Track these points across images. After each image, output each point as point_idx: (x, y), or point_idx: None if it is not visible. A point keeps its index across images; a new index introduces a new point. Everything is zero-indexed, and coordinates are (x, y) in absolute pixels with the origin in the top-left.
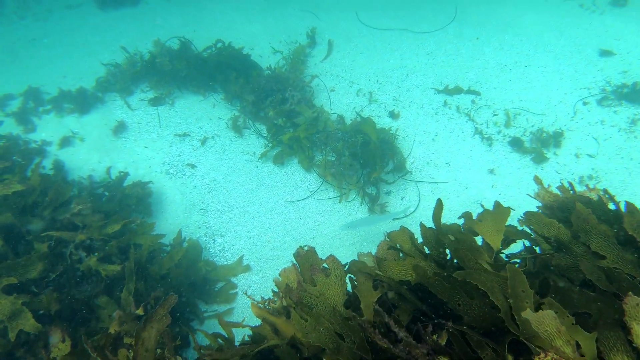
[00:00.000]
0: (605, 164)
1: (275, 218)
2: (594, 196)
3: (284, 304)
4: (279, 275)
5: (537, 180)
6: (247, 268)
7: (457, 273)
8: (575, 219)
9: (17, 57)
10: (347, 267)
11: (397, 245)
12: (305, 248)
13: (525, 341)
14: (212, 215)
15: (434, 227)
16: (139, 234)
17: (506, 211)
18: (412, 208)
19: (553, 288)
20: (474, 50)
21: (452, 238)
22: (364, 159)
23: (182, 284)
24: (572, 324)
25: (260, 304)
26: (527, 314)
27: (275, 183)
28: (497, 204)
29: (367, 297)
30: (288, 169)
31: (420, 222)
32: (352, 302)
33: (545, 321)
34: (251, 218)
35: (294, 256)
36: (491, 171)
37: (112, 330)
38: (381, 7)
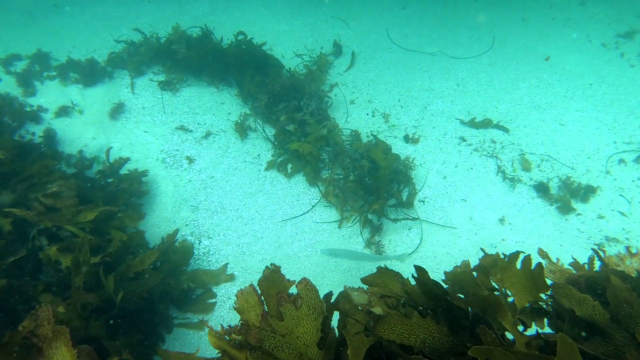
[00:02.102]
0: (638, 227)
1: (269, 228)
2: (633, 265)
3: None
4: (237, 298)
5: (543, 254)
6: (231, 277)
7: (475, 349)
8: (612, 298)
9: (35, 21)
10: (333, 299)
11: (392, 291)
12: (271, 267)
13: None
14: (202, 214)
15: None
16: (115, 226)
17: (542, 279)
18: (409, 250)
19: None
20: (508, 84)
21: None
22: (369, 186)
23: (154, 291)
24: None
25: (219, 334)
26: None
27: (276, 191)
28: (539, 265)
29: (357, 344)
30: (292, 178)
31: (412, 272)
32: (332, 341)
33: None
34: (244, 224)
35: (258, 282)
36: (504, 218)
37: (20, 328)
38: (416, 25)
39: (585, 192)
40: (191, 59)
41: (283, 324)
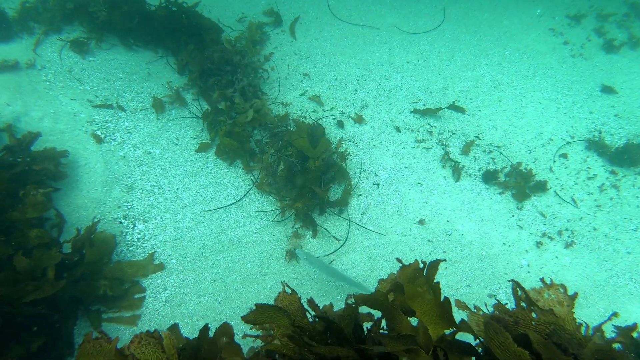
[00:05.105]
0: (587, 214)
1: (212, 211)
2: (551, 297)
3: None
4: None
5: (460, 305)
6: (160, 267)
7: None
8: (545, 352)
9: None
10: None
11: (284, 326)
12: (95, 336)
13: None
14: (137, 194)
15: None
16: (15, 218)
17: (450, 315)
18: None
19: None
20: (470, 60)
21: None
22: (300, 178)
23: (59, 298)
24: None
25: None
26: None
27: (220, 170)
28: (447, 300)
29: None
30: (234, 161)
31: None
32: None
33: None
34: (184, 206)
35: None
36: (460, 204)
37: None
38: None
39: (537, 183)
40: (115, 22)
41: None
